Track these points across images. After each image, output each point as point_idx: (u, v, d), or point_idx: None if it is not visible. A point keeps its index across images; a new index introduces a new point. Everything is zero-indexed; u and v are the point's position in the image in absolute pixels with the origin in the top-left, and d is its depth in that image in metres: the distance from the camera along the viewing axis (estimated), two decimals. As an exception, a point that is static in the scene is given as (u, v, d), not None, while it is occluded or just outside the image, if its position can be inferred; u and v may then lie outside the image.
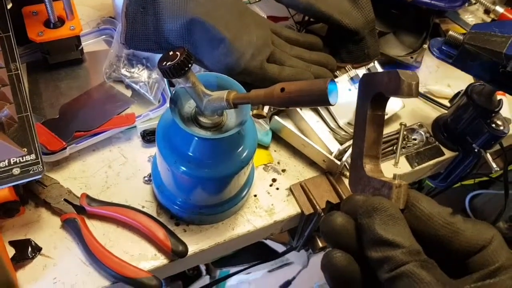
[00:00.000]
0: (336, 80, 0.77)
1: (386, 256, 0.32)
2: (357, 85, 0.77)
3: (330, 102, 0.46)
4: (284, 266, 1.64)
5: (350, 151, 0.71)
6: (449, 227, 0.34)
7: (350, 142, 0.72)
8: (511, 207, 1.04)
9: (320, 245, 0.77)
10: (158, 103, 0.74)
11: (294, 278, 1.66)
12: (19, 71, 0.64)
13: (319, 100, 0.46)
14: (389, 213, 0.34)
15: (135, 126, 0.71)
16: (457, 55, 0.70)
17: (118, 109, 0.72)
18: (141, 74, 0.75)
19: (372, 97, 0.42)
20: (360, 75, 0.77)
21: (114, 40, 0.77)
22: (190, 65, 0.49)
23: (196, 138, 0.55)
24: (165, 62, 0.49)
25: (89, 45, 0.82)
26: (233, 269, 1.62)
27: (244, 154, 0.58)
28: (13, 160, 0.56)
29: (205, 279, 1.58)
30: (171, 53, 0.50)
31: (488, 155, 0.77)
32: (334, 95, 0.47)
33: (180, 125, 0.53)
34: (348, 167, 0.74)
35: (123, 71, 0.75)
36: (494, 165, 0.76)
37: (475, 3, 1.00)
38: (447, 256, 0.34)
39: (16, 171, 0.56)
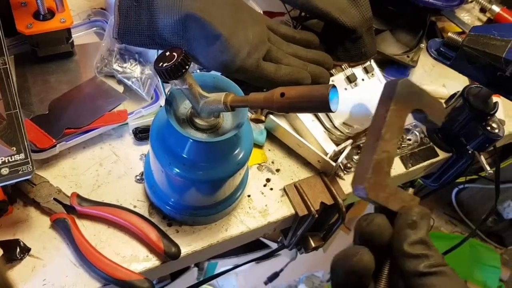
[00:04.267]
0: (331, 78, 0.76)
1: (426, 253, 0.36)
2: (353, 84, 0.76)
3: (331, 109, 0.45)
4: (271, 257, 1.64)
5: (345, 152, 0.70)
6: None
7: (346, 143, 0.71)
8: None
9: (313, 245, 0.77)
10: (151, 100, 0.72)
11: (282, 270, 1.66)
12: (8, 66, 0.62)
13: (320, 106, 0.45)
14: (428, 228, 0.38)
15: (127, 123, 0.70)
16: (455, 57, 0.69)
17: (110, 106, 0.70)
18: (134, 70, 0.73)
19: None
20: (357, 74, 0.76)
21: (105, 34, 0.74)
22: (187, 67, 0.48)
23: (191, 141, 0.53)
24: (161, 63, 0.48)
25: (79, 37, 0.79)
26: (220, 261, 1.61)
27: (240, 156, 0.57)
28: (2, 159, 0.54)
29: (193, 271, 1.58)
30: (167, 53, 0.49)
31: (482, 157, 0.77)
32: (335, 101, 0.46)
33: (175, 127, 0.51)
34: (342, 168, 0.73)
35: (115, 66, 0.73)
36: (488, 168, 0.76)
37: (471, 2, 0.99)
38: None
39: (4, 171, 0.54)
